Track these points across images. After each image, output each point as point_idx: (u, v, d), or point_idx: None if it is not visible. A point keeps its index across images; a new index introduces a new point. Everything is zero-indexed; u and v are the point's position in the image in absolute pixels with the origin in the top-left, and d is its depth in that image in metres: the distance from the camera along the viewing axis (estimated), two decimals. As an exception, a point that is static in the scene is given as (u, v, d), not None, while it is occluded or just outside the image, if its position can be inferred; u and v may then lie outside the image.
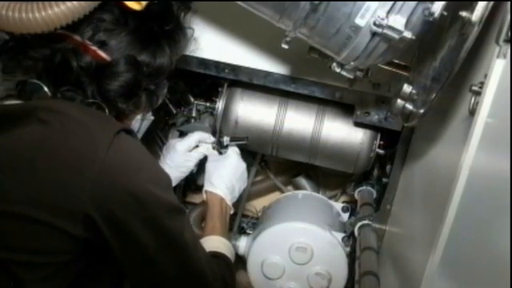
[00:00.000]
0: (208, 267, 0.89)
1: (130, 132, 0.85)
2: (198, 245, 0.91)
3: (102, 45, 0.83)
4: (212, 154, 1.24)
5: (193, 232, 0.90)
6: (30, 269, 0.77)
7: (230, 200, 1.16)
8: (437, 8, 0.71)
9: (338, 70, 0.89)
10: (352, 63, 0.84)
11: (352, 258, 1.23)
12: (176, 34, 0.94)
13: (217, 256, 0.99)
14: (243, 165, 1.23)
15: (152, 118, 1.06)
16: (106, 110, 0.86)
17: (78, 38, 0.82)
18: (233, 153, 1.23)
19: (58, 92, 0.83)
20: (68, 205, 0.75)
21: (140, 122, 1.00)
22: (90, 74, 0.83)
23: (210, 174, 1.19)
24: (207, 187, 1.17)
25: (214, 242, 1.03)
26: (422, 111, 0.82)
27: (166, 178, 0.87)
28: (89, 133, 0.78)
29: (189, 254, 0.85)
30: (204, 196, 1.17)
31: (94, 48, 0.83)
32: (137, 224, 0.78)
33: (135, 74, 0.86)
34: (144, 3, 0.84)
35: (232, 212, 1.18)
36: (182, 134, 1.35)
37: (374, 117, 1.18)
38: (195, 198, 1.57)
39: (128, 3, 0.84)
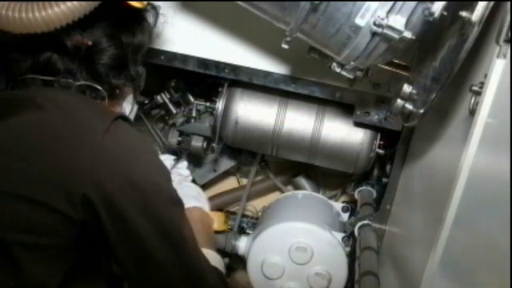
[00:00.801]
0: (208, 270, 0.87)
1: (127, 120, 0.86)
2: (197, 245, 0.88)
3: (81, 31, 0.85)
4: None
5: (192, 230, 0.87)
6: (27, 249, 0.76)
7: (207, 208, 1.14)
8: (437, 8, 0.71)
9: (338, 69, 0.89)
10: (352, 63, 0.84)
11: (352, 258, 1.23)
12: (149, 12, 0.96)
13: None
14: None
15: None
16: (101, 88, 0.87)
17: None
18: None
19: (54, 82, 0.85)
20: (67, 187, 0.74)
21: (132, 103, 1.01)
22: (77, 59, 0.85)
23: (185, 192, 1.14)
24: (189, 204, 1.10)
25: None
26: (421, 111, 0.82)
27: (165, 169, 0.87)
28: (86, 119, 0.79)
29: (187, 249, 0.83)
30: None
31: (74, 36, 0.84)
32: (134, 211, 0.77)
33: (119, 47, 0.88)
34: (145, 2, 0.85)
35: (216, 228, 1.16)
36: (182, 134, 1.35)
37: (374, 117, 1.18)
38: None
39: (131, 2, 0.84)
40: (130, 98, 0.99)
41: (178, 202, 0.84)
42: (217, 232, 1.46)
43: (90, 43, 0.86)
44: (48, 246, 0.77)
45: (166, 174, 0.85)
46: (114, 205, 0.76)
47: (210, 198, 1.51)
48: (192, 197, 1.12)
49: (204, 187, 1.51)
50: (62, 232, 0.77)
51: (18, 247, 0.76)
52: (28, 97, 0.82)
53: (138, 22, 0.93)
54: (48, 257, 0.78)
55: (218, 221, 1.46)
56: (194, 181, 1.46)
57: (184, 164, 1.28)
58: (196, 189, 1.18)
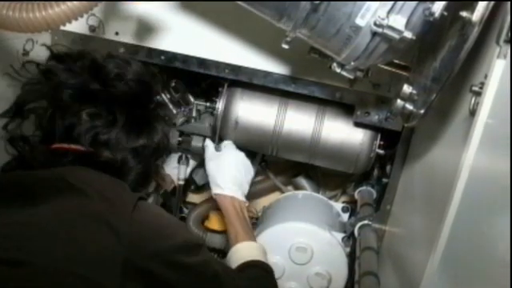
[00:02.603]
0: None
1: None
2: (226, 268, 0.95)
3: (106, 146, 0.90)
4: (208, 151, 1.25)
5: (217, 260, 0.95)
6: None
7: (241, 195, 1.17)
8: (437, 8, 0.71)
9: (338, 70, 0.89)
10: (352, 63, 0.84)
11: (352, 258, 1.23)
12: (160, 110, 1.02)
13: (253, 265, 1.02)
14: (241, 154, 1.24)
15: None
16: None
17: (80, 147, 0.89)
18: (228, 146, 1.25)
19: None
20: (106, 260, 0.76)
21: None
22: (105, 172, 0.89)
23: (213, 176, 1.20)
24: (215, 190, 1.18)
25: (243, 251, 1.05)
26: (422, 111, 0.82)
27: (182, 225, 0.94)
28: (119, 197, 0.83)
29: (224, 280, 0.89)
30: (214, 198, 1.18)
31: (102, 152, 0.90)
32: (170, 271, 0.81)
33: (144, 164, 0.95)
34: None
35: (247, 204, 1.19)
36: (182, 134, 1.35)
37: (374, 117, 1.18)
38: (195, 198, 1.57)
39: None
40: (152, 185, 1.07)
41: (198, 246, 0.88)
42: (217, 232, 1.47)
43: (117, 158, 0.91)
44: None
45: (183, 228, 0.91)
46: (150, 271, 0.79)
47: (210, 199, 1.51)
48: (229, 181, 1.17)
49: (204, 187, 1.51)
50: None
51: None
52: (57, 176, 0.84)
53: (151, 124, 0.97)
54: None
55: (217, 221, 1.47)
56: (194, 181, 1.46)
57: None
58: (227, 171, 1.20)
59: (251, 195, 1.51)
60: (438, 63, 0.82)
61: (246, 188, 1.21)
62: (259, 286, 0.98)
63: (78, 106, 0.91)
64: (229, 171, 1.19)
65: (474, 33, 0.69)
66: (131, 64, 0.97)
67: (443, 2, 0.71)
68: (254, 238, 1.12)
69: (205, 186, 1.51)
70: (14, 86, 1.14)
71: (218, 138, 1.29)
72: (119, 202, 0.82)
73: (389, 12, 0.75)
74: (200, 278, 0.85)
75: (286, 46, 0.86)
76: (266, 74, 1.17)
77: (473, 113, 0.71)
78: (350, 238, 1.24)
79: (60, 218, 0.79)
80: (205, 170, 1.25)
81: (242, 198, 1.18)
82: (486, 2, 0.68)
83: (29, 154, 0.91)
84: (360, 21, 0.77)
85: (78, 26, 1.17)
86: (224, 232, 1.46)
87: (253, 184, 1.47)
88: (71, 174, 0.84)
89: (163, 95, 1.35)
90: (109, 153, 0.91)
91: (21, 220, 0.79)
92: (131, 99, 0.94)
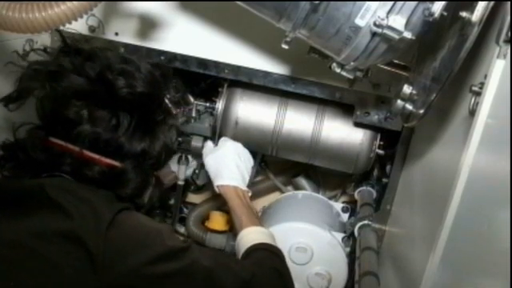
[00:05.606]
0: (247, 270, 0.91)
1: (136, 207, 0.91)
2: (223, 259, 0.93)
3: (105, 151, 0.89)
4: (206, 147, 1.26)
5: (211, 254, 0.91)
6: None
7: (243, 184, 1.18)
8: (437, 8, 0.71)
9: (338, 70, 0.89)
10: (352, 63, 0.84)
11: (352, 258, 1.23)
12: (168, 120, 1.00)
13: (258, 248, 1.01)
14: (238, 144, 1.25)
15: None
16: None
17: (77, 149, 0.87)
18: (224, 140, 1.25)
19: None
20: (80, 283, 0.77)
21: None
22: (102, 181, 0.88)
23: (213, 169, 1.20)
24: (217, 182, 1.17)
25: (248, 237, 1.04)
26: (421, 111, 0.82)
27: (165, 231, 0.88)
28: (94, 210, 0.81)
29: (218, 275, 0.87)
30: (217, 190, 1.18)
31: (102, 159, 0.89)
32: (144, 282, 0.80)
33: (144, 177, 0.94)
34: None
35: (250, 194, 1.20)
36: (182, 135, 1.35)
37: (374, 117, 1.18)
38: (195, 198, 1.57)
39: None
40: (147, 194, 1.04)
41: (182, 250, 0.86)
42: (217, 232, 1.47)
43: (118, 165, 0.90)
44: None
45: (165, 234, 0.86)
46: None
47: (210, 199, 1.51)
48: (231, 171, 1.18)
49: (204, 187, 1.51)
50: None
51: None
52: (38, 189, 0.83)
53: (155, 132, 0.95)
54: None
55: (218, 221, 1.47)
56: (194, 182, 1.46)
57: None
58: (229, 162, 1.20)
59: (251, 195, 1.52)
60: (438, 63, 0.82)
61: (247, 177, 1.21)
62: (264, 268, 0.95)
63: (80, 103, 0.87)
64: (229, 161, 1.19)
65: (474, 33, 0.69)
66: (141, 69, 0.93)
67: (443, 2, 0.71)
68: (259, 224, 1.10)
69: (205, 186, 1.51)
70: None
71: (218, 138, 1.29)
72: (95, 218, 0.80)
73: (388, 12, 0.75)
74: (189, 280, 0.84)
75: (285, 46, 0.86)
76: (266, 74, 1.17)
77: (472, 113, 0.71)
78: (350, 238, 1.24)
79: (37, 236, 0.78)
80: (204, 171, 1.25)
81: (245, 188, 1.18)
82: (485, 2, 0.68)
83: (24, 156, 0.89)
84: (359, 21, 0.77)
85: (77, 27, 1.17)
86: (225, 232, 1.46)
87: (253, 184, 1.47)
88: (52, 187, 0.83)
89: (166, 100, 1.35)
90: (108, 159, 0.89)
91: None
92: (137, 105, 0.91)
